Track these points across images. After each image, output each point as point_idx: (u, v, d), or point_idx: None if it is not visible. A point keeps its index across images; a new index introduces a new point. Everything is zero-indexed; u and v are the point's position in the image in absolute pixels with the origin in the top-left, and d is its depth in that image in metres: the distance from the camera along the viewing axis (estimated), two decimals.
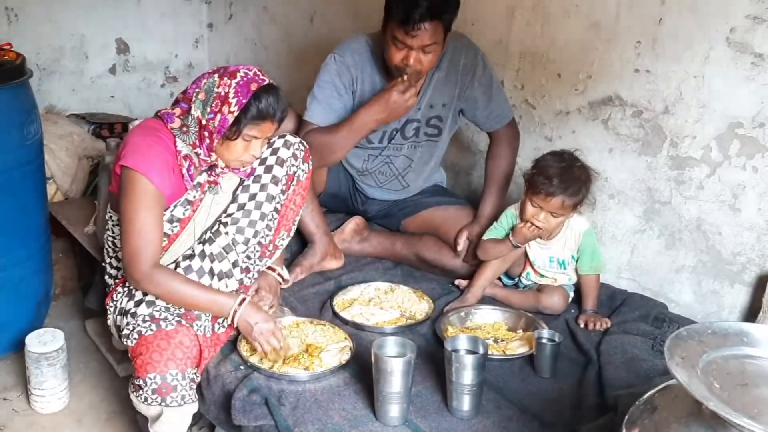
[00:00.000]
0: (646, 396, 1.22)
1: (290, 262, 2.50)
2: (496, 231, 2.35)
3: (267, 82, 1.88)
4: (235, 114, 1.83)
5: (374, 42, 2.43)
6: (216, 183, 1.99)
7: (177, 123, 1.92)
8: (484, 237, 2.36)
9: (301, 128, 2.45)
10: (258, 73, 1.89)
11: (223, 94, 1.84)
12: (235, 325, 1.93)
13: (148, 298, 1.93)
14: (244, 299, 1.93)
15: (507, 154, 2.58)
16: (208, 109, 1.86)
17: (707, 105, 2.25)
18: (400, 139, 2.55)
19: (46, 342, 2.33)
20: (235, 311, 1.91)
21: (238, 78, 1.85)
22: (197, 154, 1.92)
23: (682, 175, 2.35)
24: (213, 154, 1.92)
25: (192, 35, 4.53)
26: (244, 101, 1.83)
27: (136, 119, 3.00)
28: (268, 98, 1.85)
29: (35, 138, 2.52)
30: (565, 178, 2.13)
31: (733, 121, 2.19)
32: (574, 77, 2.60)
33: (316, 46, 3.77)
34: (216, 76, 1.88)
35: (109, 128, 3.72)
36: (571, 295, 2.35)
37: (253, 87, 1.84)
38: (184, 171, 1.91)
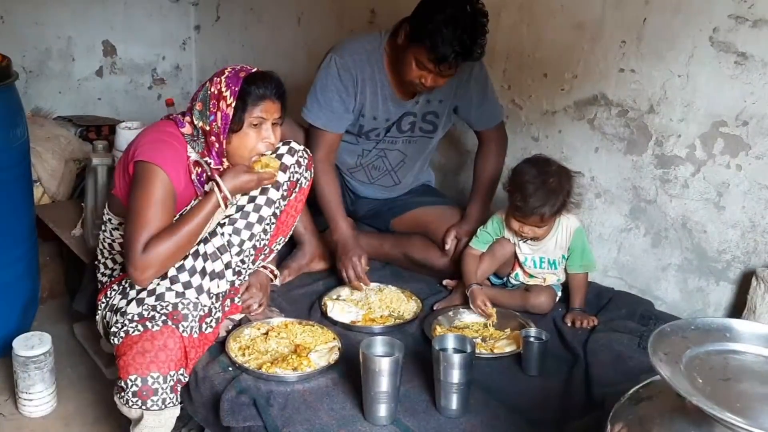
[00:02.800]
0: (630, 392, 1.23)
1: (278, 264, 2.50)
2: (482, 237, 2.35)
3: (255, 69, 1.93)
4: (233, 105, 1.87)
5: (374, 40, 2.44)
6: (226, 198, 1.95)
7: (188, 129, 1.96)
8: (471, 244, 2.37)
9: (309, 132, 2.48)
10: (245, 66, 1.94)
11: (216, 92, 1.89)
12: (231, 198, 1.92)
13: (140, 296, 1.92)
14: (217, 183, 1.91)
15: (495, 156, 2.59)
16: (207, 112, 1.90)
17: (691, 104, 2.26)
18: (395, 132, 2.56)
19: (33, 346, 2.33)
20: (225, 197, 1.90)
21: (227, 73, 1.92)
22: (207, 164, 1.94)
23: (667, 174, 2.36)
24: (225, 160, 1.93)
25: (179, 37, 4.53)
26: (236, 89, 1.87)
27: (123, 121, 2.99)
28: (261, 79, 1.91)
29: (21, 141, 2.51)
30: (541, 194, 2.13)
31: (717, 119, 2.21)
32: (560, 77, 2.62)
33: (303, 47, 3.77)
34: (207, 82, 1.95)
35: (96, 131, 3.71)
36: (559, 294, 2.36)
37: (242, 75, 1.90)
38: (194, 177, 1.93)
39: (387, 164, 2.66)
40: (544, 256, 2.31)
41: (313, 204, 2.59)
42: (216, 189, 1.91)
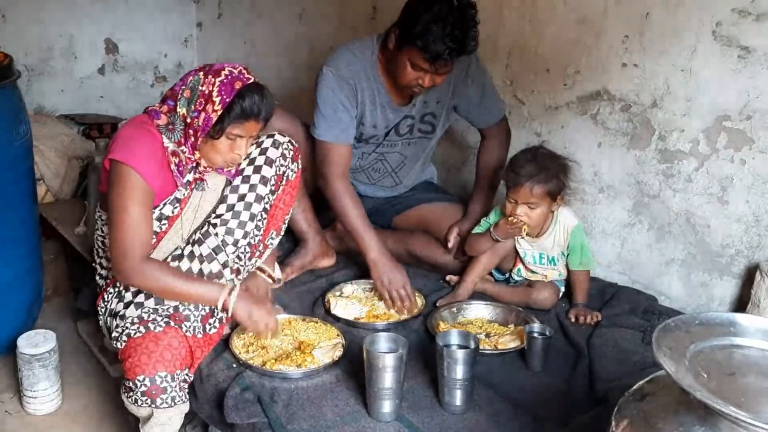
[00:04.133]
0: (634, 387, 1.23)
1: (282, 261, 2.50)
2: (484, 226, 2.37)
3: (252, 80, 1.87)
4: (219, 113, 1.82)
5: (366, 48, 2.40)
6: (202, 179, 1.98)
7: (163, 120, 1.91)
8: (473, 231, 2.39)
9: (316, 147, 2.42)
10: (243, 71, 1.88)
11: (207, 92, 1.83)
12: (229, 315, 1.93)
13: (137, 299, 1.92)
14: (233, 288, 1.93)
15: (498, 151, 2.58)
16: (193, 107, 1.85)
17: (695, 98, 2.26)
18: (394, 135, 2.55)
19: (38, 343, 2.33)
20: (226, 301, 1.91)
21: (222, 76, 1.84)
22: (183, 152, 1.92)
23: (670, 169, 2.36)
24: (196, 152, 1.92)
25: (181, 34, 4.52)
26: (227, 100, 1.82)
27: (125, 119, 2.99)
28: (252, 97, 1.84)
29: (24, 139, 2.51)
30: (530, 167, 2.17)
31: (721, 114, 2.21)
32: (562, 72, 2.61)
33: (305, 43, 3.77)
34: (201, 74, 1.88)
35: (99, 129, 3.72)
36: (562, 290, 2.36)
37: (237, 85, 1.83)
38: (173, 167, 1.90)
39: (387, 166, 2.65)
40: (543, 253, 2.31)
41: (315, 201, 2.60)
42: (227, 292, 1.90)
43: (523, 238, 2.29)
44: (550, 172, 2.18)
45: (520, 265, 2.37)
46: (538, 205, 2.19)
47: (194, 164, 1.95)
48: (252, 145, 2.04)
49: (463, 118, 2.63)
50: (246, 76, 1.86)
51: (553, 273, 2.34)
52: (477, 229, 2.38)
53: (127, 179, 1.83)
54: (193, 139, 1.88)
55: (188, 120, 1.87)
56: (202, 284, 1.93)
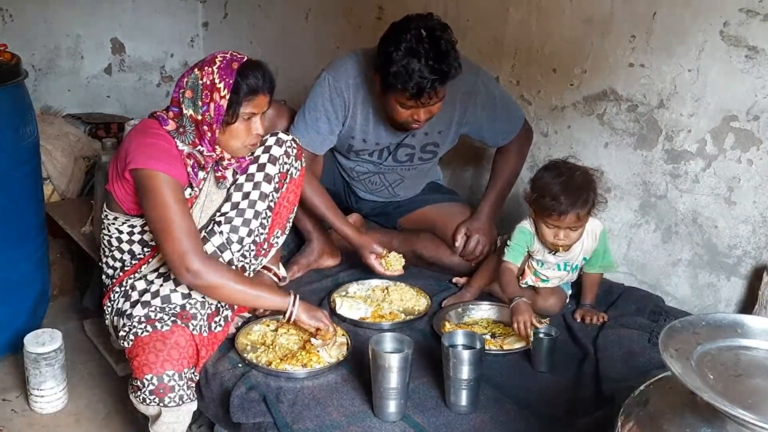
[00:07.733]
0: (640, 388, 1.23)
1: (287, 260, 2.51)
2: (517, 250, 2.24)
3: (246, 58, 1.90)
4: (227, 97, 1.85)
5: (367, 63, 2.35)
6: (224, 177, 1.99)
7: (172, 125, 1.93)
8: (507, 258, 2.24)
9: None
10: (235, 53, 1.91)
11: (209, 83, 1.86)
12: (289, 321, 1.97)
13: (144, 298, 1.93)
14: (295, 296, 1.96)
15: (516, 155, 2.57)
16: (200, 103, 1.87)
17: (702, 98, 2.25)
18: (392, 161, 2.53)
19: (44, 342, 2.33)
20: (291, 312, 1.94)
21: (218, 63, 1.88)
22: (200, 152, 1.93)
23: (677, 169, 2.35)
24: (217, 147, 1.93)
25: (187, 34, 4.53)
26: (231, 82, 1.85)
27: (132, 119, 3.00)
28: (254, 72, 1.88)
29: (31, 139, 2.52)
30: (571, 191, 2.06)
31: (728, 114, 2.20)
32: (569, 72, 2.61)
33: (311, 43, 3.77)
34: (196, 70, 1.91)
35: (105, 128, 3.72)
36: (569, 293, 2.34)
37: (235, 66, 1.86)
38: (189, 170, 1.92)
39: (384, 181, 2.63)
40: (568, 261, 2.25)
41: None
42: (291, 303, 1.94)
43: (554, 254, 2.22)
44: (588, 191, 2.09)
45: (528, 278, 2.28)
46: (581, 225, 2.13)
47: (215, 162, 1.96)
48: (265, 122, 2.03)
49: (478, 141, 2.62)
50: (239, 56, 1.90)
51: (569, 278, 2.30)
52: (509, 255, 2.24)
53: (157, 183, 1.84)
54: (209, 134, 1.90)
55: (198, 118, 1.88)
56: (264, 290, 1.96)
